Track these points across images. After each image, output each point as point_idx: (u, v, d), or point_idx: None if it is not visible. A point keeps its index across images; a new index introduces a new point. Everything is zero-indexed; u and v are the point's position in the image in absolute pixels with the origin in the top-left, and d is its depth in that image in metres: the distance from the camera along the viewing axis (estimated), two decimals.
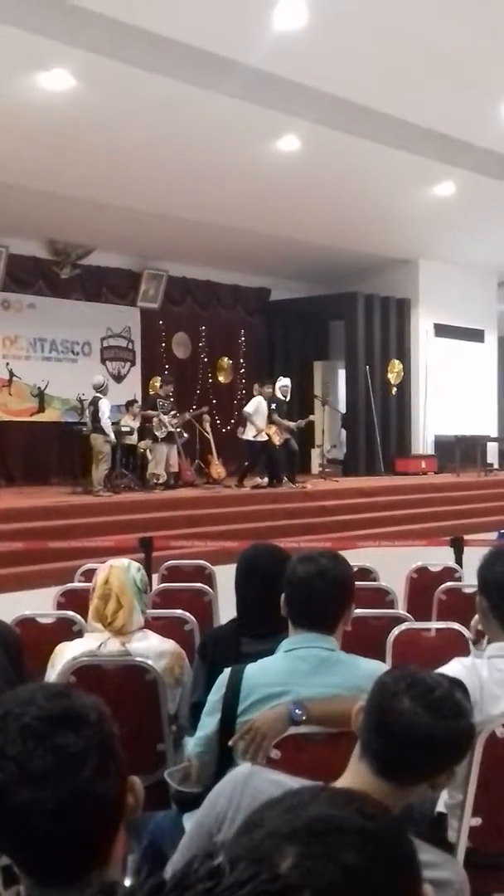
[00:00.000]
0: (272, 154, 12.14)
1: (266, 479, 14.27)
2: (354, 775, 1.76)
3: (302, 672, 2.50)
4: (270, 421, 14.29)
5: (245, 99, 10.61)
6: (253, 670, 2.55)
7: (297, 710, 2.39)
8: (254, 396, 14.58)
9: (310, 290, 18.67)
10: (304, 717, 2.39)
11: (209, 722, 2.60)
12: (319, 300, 18.48)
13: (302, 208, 14.07)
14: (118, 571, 3.19)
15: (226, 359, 18.03)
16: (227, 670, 2.60)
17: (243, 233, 14.84)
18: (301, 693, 2.45)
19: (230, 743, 2.48)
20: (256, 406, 14.16)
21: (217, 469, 15.09)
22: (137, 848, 3.06)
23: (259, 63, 10.04)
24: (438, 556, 6.30)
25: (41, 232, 14.69)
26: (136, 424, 14.11)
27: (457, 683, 1.86)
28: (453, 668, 2.64)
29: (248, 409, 14.29)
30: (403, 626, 3.84)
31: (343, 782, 1.77)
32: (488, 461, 18.43)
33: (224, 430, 16.22)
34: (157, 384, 15.24)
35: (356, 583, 4.97)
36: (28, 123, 10.51)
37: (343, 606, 2.61)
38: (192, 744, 2.69)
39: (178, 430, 14.11)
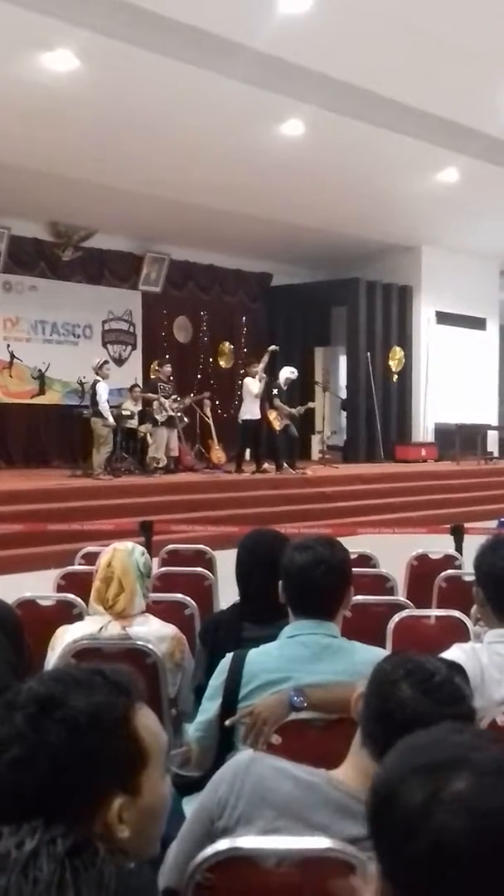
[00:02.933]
0: (276, 138, 12.07)
1: (273, 465, 14.23)
2: (355, 762, 1.76)
3: (303, 658, 2.50)
4: (272, 406, 14.26)
5: (249, 82, 10.54)
6: (255, 656, 2.55)
7: (297, 697, 2.38)
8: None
9: (312, 276, 18.62)
10: (304, 704, 2.38)
11: (210, 706, 2.60)
12: (321, 286, 18.44)
13: (305, 193, 14.00)
14: (121, 555, 3.18)
15: (227, 343, 18.00)
16: (229, 655, 2.59)
17: (246, 217, 14.79)
18: (302, 679, 2.44)
19: (227, 723, 2.48)
20: (251, 389, 14.03)
21: (217, 454, 15.09)
22: None
23: (263, 46, 9.96)
24: (438, 544, 6.30)
25: (43, 214, 14.63)
26: (137, 408, 14.09)
27: (456, 668, 1.86)
28: (454, 653, 2.64)
29: (245, 393, 14.16)
30: (404, 613, 3.84)
31: (344, 769, 1.77)
32: (488, 449, 18.44)
33: (225, 415, 16.19)
34: (157, 368, 15.22)
35: (356, 569, 4.99)
36: (31, 104, 10.45)
37: (342, 593, 2.61)
38: (192, 728, 2.69)
39: (179, 414, 14.09)
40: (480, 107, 12.08)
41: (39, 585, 5.00)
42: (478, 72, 10.98)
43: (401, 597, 5.02)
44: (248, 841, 1.70)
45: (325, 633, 2.54)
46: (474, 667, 2.58)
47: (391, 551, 5.84)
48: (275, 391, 14.31)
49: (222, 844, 1.69)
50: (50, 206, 14.25)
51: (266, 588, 2.78)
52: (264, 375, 14.02)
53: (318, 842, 1.67)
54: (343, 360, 18.68)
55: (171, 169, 12.63)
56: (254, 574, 3.00)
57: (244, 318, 18.29)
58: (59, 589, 4.56)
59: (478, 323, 19.82)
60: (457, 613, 3.78)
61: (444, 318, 18.96)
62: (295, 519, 11.31)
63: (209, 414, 15.29)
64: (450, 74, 10.93)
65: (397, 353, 18.49)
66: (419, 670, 1.72)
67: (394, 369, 18.47)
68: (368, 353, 17.65)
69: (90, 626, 3.15)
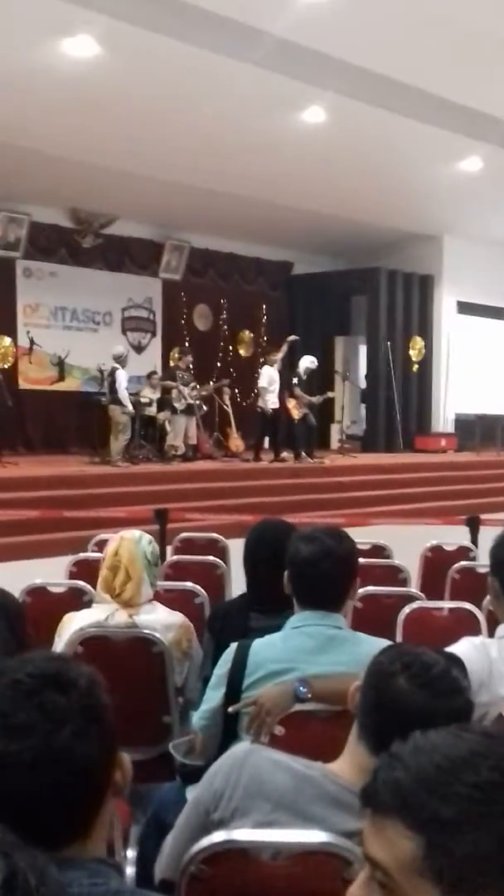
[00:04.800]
0: (297, 125, 12.00)
1: (291, 454, 14.22)
2: (352, 755, 1.74)
3: (308, 649, 2.49)
4: (291, 394, 14.23)
5: (270, 69, 10.48)
6: (260, 646, 2.55)
7: (302, 688, 2.37)
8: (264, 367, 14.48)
9: (332, 265, 18.53)
10: (309, 695, 2.37)
11: (214, 696, 2.60)
12: (342, 275, 18.35)
13: (326, 181, 13.93)
14: (129, 543, 3.18)
15: (247, 332, 17.96)
16: (234, 645, 2.59)
17: (266, 205, 14.72)
18: (307, 670, 2.43)
19: (230, 710, 2.48)
20: (269, 378, 14.04)
21: (235, 442, 15.08)
22: (143, 819, 3.08)
23: (285, 33, 9.90)
24: (454, 536, 6.27)
25: (64, 200, 14.63)
26: (155, 396, 14.09)
27: (454, 660, 1.84)
28: (463, 647, 2.61)
29: (262, 382, 14.16)
30: (415, 605, 3.82)
31: (341, 762, 1.75)
32: None
33: (244, 404, 16.16)
34: (178, 356, 15.21)
35: (369, 560, 5.00)
36: (52, 90, 10.44)
37: (348, 585, 2.59)
38: (196, 716, 2.69)
39: (198, 402, 14.08)
40: (503, 95, 11.96)
41: (54, 572, 5.01)
42: (500, 59, 10.86)
43: (414, 588, 5.00)
44: (244, 833, 1.69)
45: (331, 625, 2.52)
46: (482, 661, 2.55)
47: (407, 542, 5.82)
48: (294, 380, 14.27)
49: (218, 836, 1.68)
50: (70, 193, 14.24)
51: (273, 578, 2.77)
52: (281, 364, 14.00)
53: (314, 835, 1.66)
54: (363, 350, 18.59)
55: (191, 156, 12.59)
56: (260, 564, 2.98)
57: (264, 306, 18.23)
58: (71, 576, 4.57)
59: (499, 313, 19.67)
60: (468, 606, 3.76)
61: (465, 307, 18.83)
62: (312, 508, 11.30)
63: (228, 402, 15.27)
64: (472, 62, 10.82)
65: (418, 342, 18.39)
66: (416, 663, 1.70)
67: (414, 359, 18.37)
68: (389, 343, 17.55)
69: (97, 614, 3.15)
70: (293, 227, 16.36)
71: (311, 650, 2.48)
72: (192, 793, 2.42)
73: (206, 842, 1.67)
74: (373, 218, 16.17)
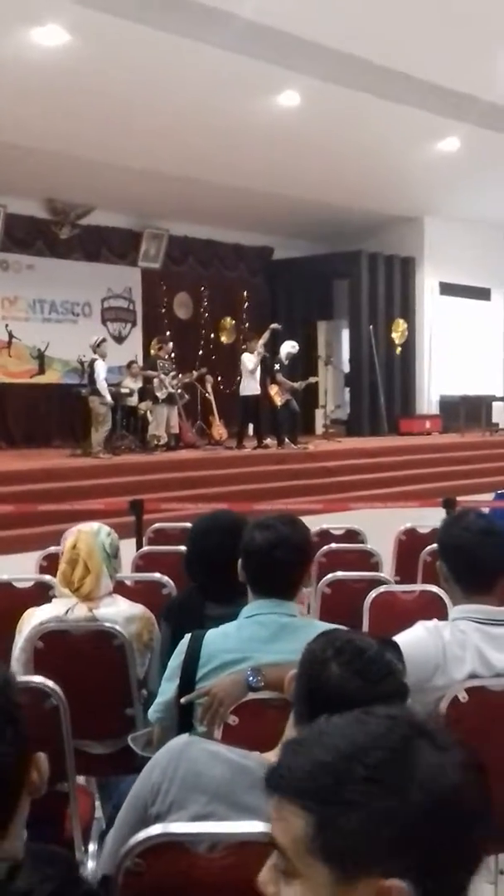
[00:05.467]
0: (272, 110, 11.95)
1: (275, 441, 14.20)
2: None
3: (261, 638, 2.48)
4: (273, 381, 14.20)
5: (243, 53, 10.44)
6: (213, 637, 2.54)
7: (253, 677, 2.36)
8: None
9: (313, 249, 18.48)
10: (261, 684, 2.36)
11: (168, 688, 2.60)
12: (323, 259, 18.30)
13: (304, 165, 13.87)
14: (86, 536, 3.15)
15: (228, 319, 17.91)
16: (188, 636, 2.59)
17: (245, 191, 14.66)
18: (260, 659, 2.42)
19: (182, 701, 2.48)
20: (250, 364, 13.98)
21: (219, 430, 15.05)
22: (104, 813, 3.08)
23: (255, 16, 9.85)
24: (432, 518, 6.24)
25: (39, 191, 14.54)
26: (136, 386, 14.04)
27: (389, 644, 1.82)
28: (416, 631, 2.61)
29: (243, 368, 14.08)
30: (381, 589, 3.80)
31: (277, 750, 1.74)
32: (493, 421, 18.34)
33: (227, 391, 16.13)
34: (158, 345, 15.16)
35: (342, 545, 4.99)
36: (23, 80, 10.37)
37: (302, 572, 2.59)
38: (152, 709, 2.68)
39: (179, 391, 14.04)
40: (479, 73, 11.94)
41: (25, 567, 4.98)
42: (475, 38, 10.84)
43: (388, 572, 5.00)
44: (180, 826, 1.68)
45: (284, 613, 2.52)
46: (436, 644, 2.56)
47: (386, 526, 5.81)
48: (276, 366, 14.24)
49: (154, 830, 1.67)
50: (46, 184, 14.15)
51: (228, 567, 2.75)
52: (262, 350, 13.94)
53: (251, 825, 1.64)
54: (346, 334, 18.58)
55: (167, 143, 12.52)
56: (213, 552, 2.97)
57: (245, 292, 18.17)
58: (41, 570, 4.54)
59: (482, 293, 19.68)
60: (435, 589, 3.73)
61: (447, 289, 18.81)
62: (297, 494, 11.30)
63: (210, 390, 15.23)
64: (448, 41, 10.79)
65: (400, 325, 18.37)
66: (348, 648, 1.69)
67: (397, 342, 18.36)
68: (371, 326, 17.53)
69: (57, 609, 3.12)
70: (273, 212, 16.31)
71: (264, 639, 2.47)
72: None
73: (142, 835, 1.66)
74: (352, 201, 16.12)
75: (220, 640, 2.53)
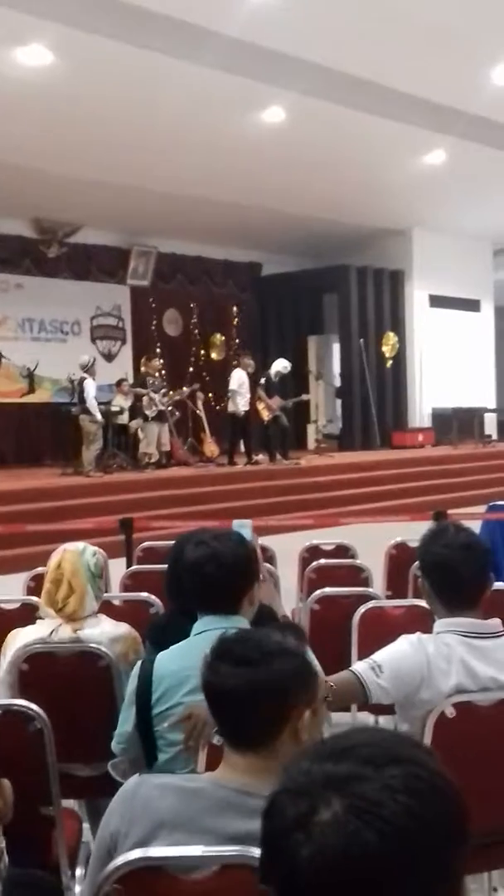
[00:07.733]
0: (257, 126, 11.98)
1: (267, 456, 14.18)
2: (226, 756, 1.76)
3: None
4: (258, 398, 14.18)
5: (226, 70, 10.45)
6: (163, 659, 2.56)
7: None
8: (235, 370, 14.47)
9: (302, 264, 18.51)
10: None
11: (126, 716, 2.60)
12: (312, 273, 18.32)
13: (291, 181, 13.91)
14: (71, 556, 3.13)
15: (218, 335, 17.92)
16: (139, 662, 2.61)
17: (232, 207, 14.69)
18: None
19: (167, 724, 2.46)
20: (240, 381, 14.02)
21: (210, 447, 15.03)
22: (94, 835, 3.03)
23: (238, 33, 9.88)
24: (423, 532, 6.21)
25: (26, 210, 14.55)
26: (126, 404, 14.01)
27: (288, 627, 1.88)
28: (399, 645, 2.59)
29: (233, 385, 14.12)
30: (370, 605, 3.78)
31: (222, 766, 1.77)
32: (486, 432, 18.34)
33: (217, 408, 16.12)
34: (147, 362, 15.15)
35: (332, 560, 4.96)
36: (8, 99, 10.38)
37: (241, 588, 2.57)
38: (114, 742, 2.66)
39: (169, 408, 14.02)
40: (464, 86, 11.97)
41: (15, 588, 4.94)
42: (460, 51, 10.88)
43: (379, 587, 4.97)
44: (159, 850, 1.65)
45: (232, 627, 2.49)
46: (419, 658, 2.54)
47: (379, 540, 5.77)
48: (262, 380, 14.23)
49: (132, 854, 1.64)
50: (32, 203, 14.17)
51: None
52: (251, 363, 13.97)
53: (232, 849, 1.62)
54: (336, 348, 18.58)
55: (153, 160, 12.53)
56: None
57: (235, 308, 18.20)
58: (29, 591, 4.51)
59: (472, 305, 19.71)
60: (422, 603, 3.71)
61: (437, 301, 18.84)
62: (289, 510, 11.28)
63: (201, 407, 15.22)
64: (432, 55, 10.82)
65: (391, 338, 18.38)
66: (236, 646, 1.74)
67: (388, 355, 18.36)
68: (362, 340, 17.53)
69: (41, 630, 3.09)
70: (260, 228, 16.34)
71: None
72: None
73: (120, 860, 1.64)
74: (340, 215, 16.16)
75: (169, 661, 2.54)
